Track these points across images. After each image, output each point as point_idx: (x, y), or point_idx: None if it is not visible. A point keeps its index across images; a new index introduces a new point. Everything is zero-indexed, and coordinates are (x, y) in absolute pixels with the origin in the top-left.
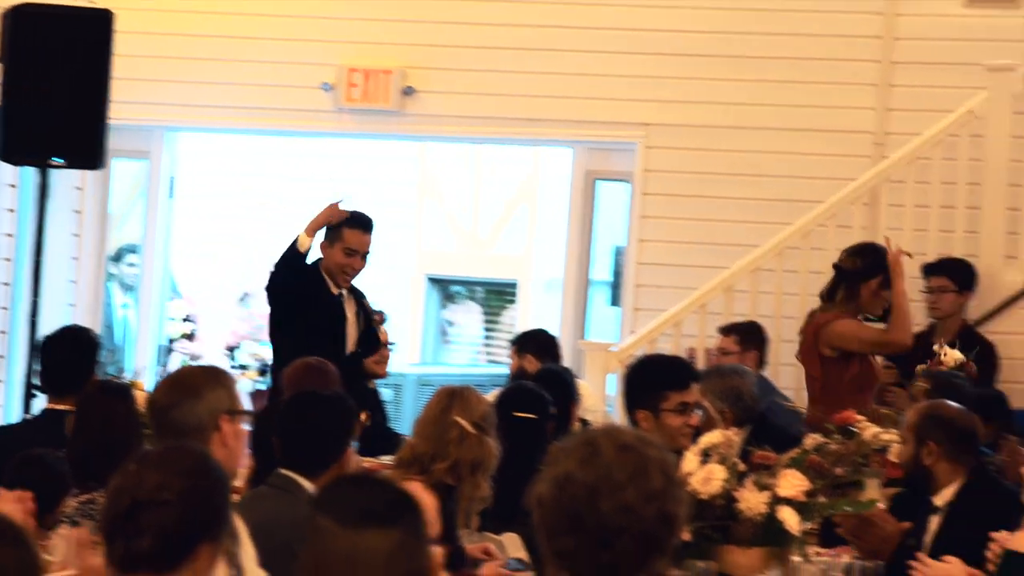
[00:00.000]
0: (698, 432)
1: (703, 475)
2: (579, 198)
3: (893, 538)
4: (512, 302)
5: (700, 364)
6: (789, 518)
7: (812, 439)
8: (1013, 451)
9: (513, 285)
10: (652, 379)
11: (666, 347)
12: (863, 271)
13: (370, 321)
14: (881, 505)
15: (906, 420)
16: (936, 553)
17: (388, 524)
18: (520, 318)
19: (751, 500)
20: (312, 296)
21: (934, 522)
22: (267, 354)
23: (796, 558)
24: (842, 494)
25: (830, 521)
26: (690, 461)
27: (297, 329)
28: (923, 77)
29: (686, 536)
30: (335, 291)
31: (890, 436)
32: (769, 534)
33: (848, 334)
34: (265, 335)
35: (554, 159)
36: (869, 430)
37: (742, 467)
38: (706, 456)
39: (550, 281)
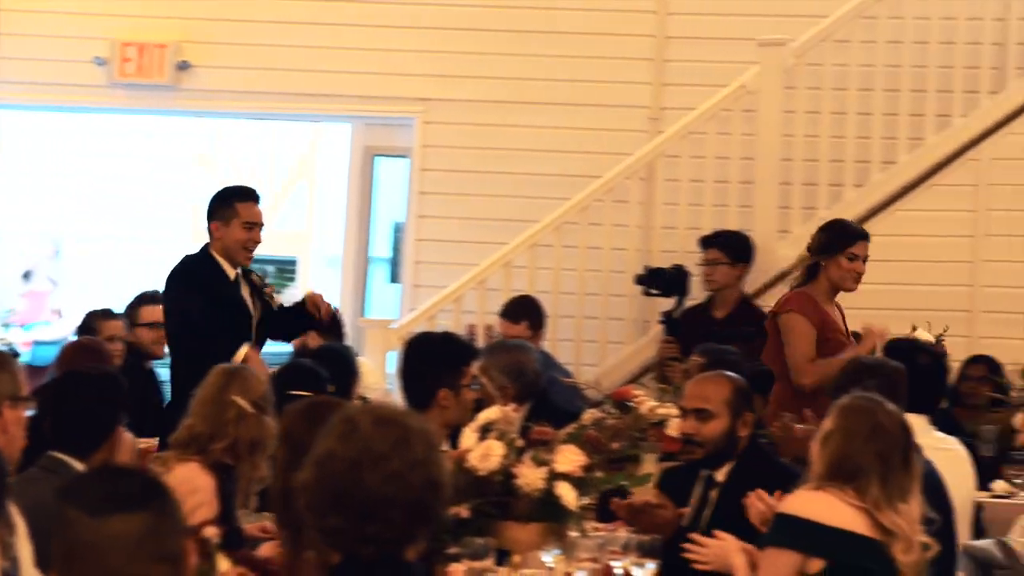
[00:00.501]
0: (479, 407)
1: (481, 451)
2: (358, 174)
3: (671, 524)
4: (293, 279)
5: (480, 340)
6: (566, 493)
7: (590, 414)
8: (786, 427)
9: (293, 262)
10: (452, 357)
11: (446, 324)
12: (824, 246)
13: (263, 296)
14: (651, 487)
15: (712, 394)
16: (713, 527)
17: (135, 509)
18: (300, 296)
19: (529, 476)
20: (215, 290)
21: (712, 496)
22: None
23: (574, 533)
24: (619, 468)
25: (608, 496)
26: (468, 437)
27: (204, 325)
28: (697, 52)
29: (464, 513)
30: (231, 275)
31: (666, 410)
32: (547, 509)
33: (788, 330)
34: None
35: (333, 135)
36: (646, 404)
37: (520, 443)
38: (485, 432)
39: (331, 258)
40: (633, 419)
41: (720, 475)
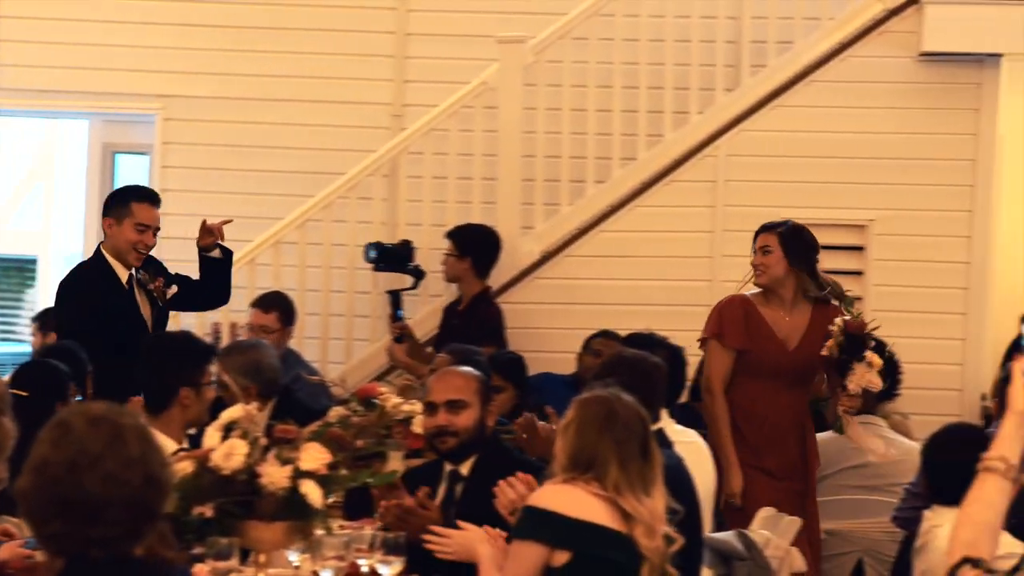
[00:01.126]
0: (220, 407)
1: (225, 450)
2: (97, 171)
3: (435, 523)
4: (33, 279)
5: (225, 338)
6: (311, 491)
7: (336, 412)
8: (530, 425)
9: (33, 261)
10: (192, 355)
11: (191, 322)
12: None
13: (151, 293)
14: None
15: (463, 384)
16: (459, 518)
17: None
18: (41, 295)
19: (273, 475)
20: (106, 296)
21: (458, 490)
22: None
23: (319, 531)
24: (365, 466)
25: (354, 493)
26: (211, 436)
27: (97, 333)
28: (438, 49)
29: (208, 512)
30: (124, 278)
31: (412, 407)
32: (292, 508)
33: (711, 325)
34: None
35: (71, 132)
36: (391, 401)
37: (264, 441)
38: (228, 431)
39: (70, 257)
40: (378, 416)
41: (464, 469)
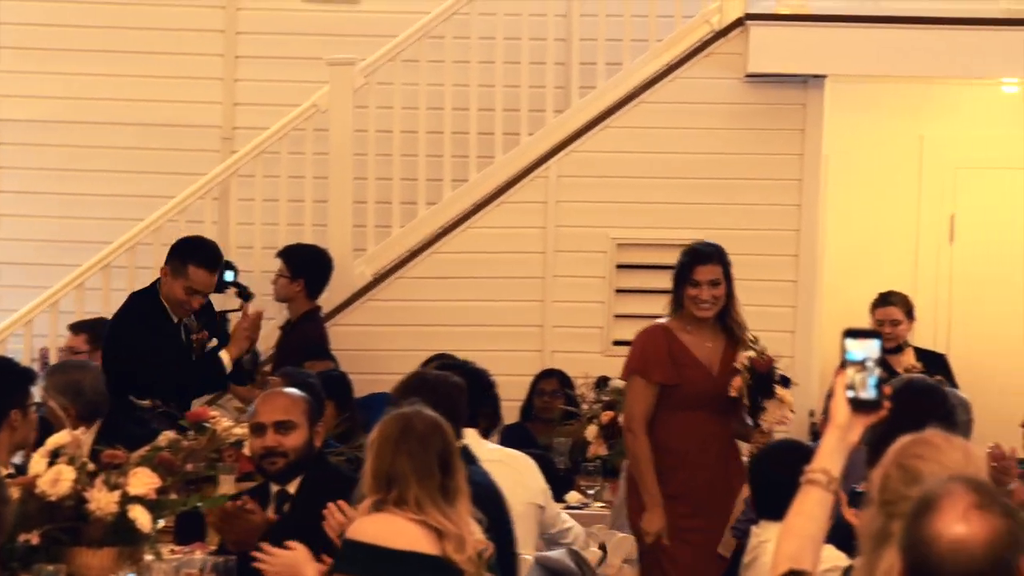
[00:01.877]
0: (47, 432)
1: (51, 476)
2: None
3: (259, 528)
4: None
5: (53, 363)
6: (140, 516)
7: (165, 436)
8: None
9: None
10: (16, 377)
11: (17, 348)
12: (676, 270)
13: (191, 343)
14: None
15: (292, 405)
16: (287, 537)
17: None
18: None
19: (101, 500)
20: (161, 337)
21: (287, 510)
22: None
23: (149, 556)
24: (196, 490)
25: (184, 517)
26: (37, 463)
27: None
28: (267, 71)
29: (35, 539)
30: (174, 319)
31: (243, 430)
32: (121, 533)
33: (633, 361)
34: None
35: None
36: (221, 424)
37: (92, 467)
38: (54, 457)
39: None
40: (209, 440)
41: (292, 488)
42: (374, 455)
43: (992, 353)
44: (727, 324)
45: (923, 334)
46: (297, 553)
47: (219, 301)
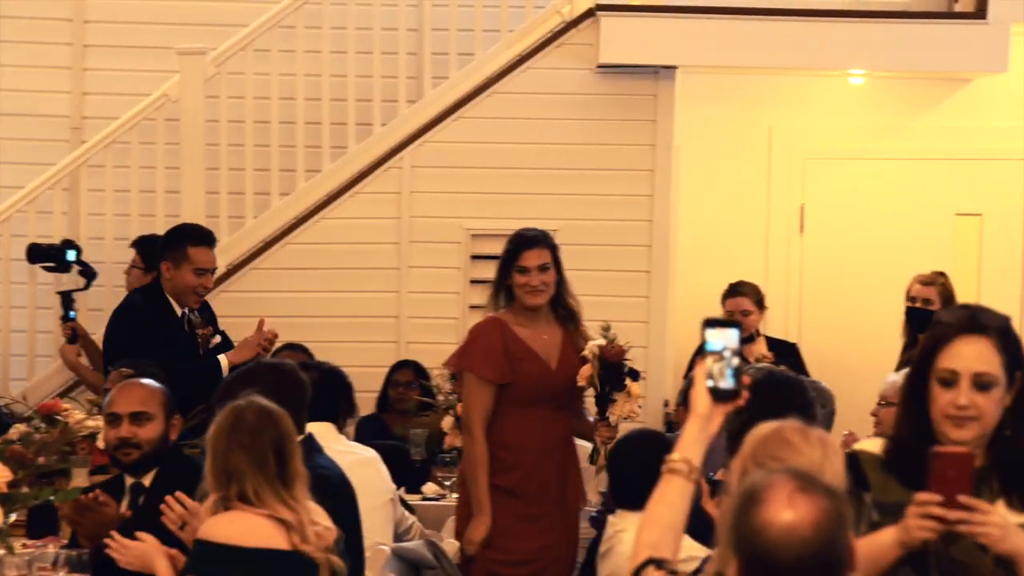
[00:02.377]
0: None
1: None
2: None
3: (113, 522)
4: None
5: None
6: None
7: (16, 429)
8: None
9: None
10: None
11: None
12: (502, 258)
13: (196, 338)
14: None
15: (148, 397)
16: (142, 529)
17: None
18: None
19: None
20: (162, 328)
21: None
22: None
23: (1, 551)
24: (49, 483)
25: (37, 511)
26: None
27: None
28: (117, 60)
29: None
30: (178, 312)
31: (96, 423)
32: None
33: (465, 358)
34: None
35: None
36: (74, 417)
37: None
38: None
39: None
40: (61, 433)
41: (147, 480)
42: (210, 452)
43: (842, 342)
44: (560, 313)
45: (775, 323)
46: (148, 545)
47: (65, 281)
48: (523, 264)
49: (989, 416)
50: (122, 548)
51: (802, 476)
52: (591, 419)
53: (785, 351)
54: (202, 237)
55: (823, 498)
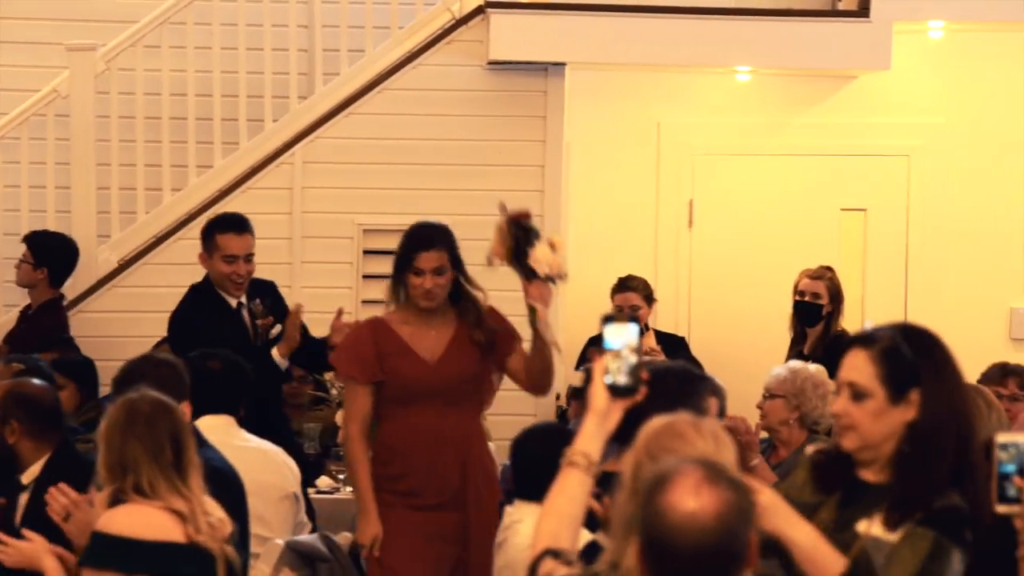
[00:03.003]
0: None
1: None
2: None
3: None
4: None
5: None
6: None
7: None
8: None
9: None
10: None
11: None
12: (397, 255)
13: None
14: None
15: None
16: (31, 527)
17: None
18: None
19: None
20: (212, 319)
21: (23, 500)
22: None
23: None
24: None
25: None
26: None
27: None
28: (5, 56)
29: None
30: (232, 304)
31: None
32: None
33: (343, 364)
34: None
35: None
36: None
37: None
38: None
39: None
40: None
41: (26, 478)
42: (105, 445)
43: (730, 335)
44: (460, 307)
45: (664, 317)
46: (35, 544)
47: None
48: (418, 266)
49: (864, 427)
50: (7, 548)
51: (711, 466)
52: None
53: (674, 345)
54: (230, 224)
55: (729, 490)
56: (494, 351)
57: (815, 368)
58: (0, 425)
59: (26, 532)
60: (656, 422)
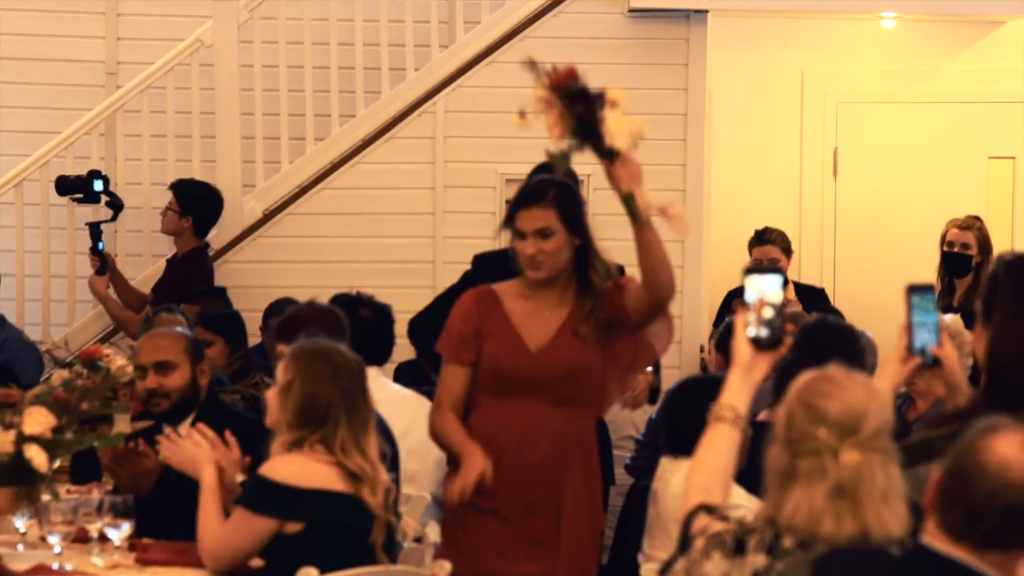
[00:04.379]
0: None
1: None
2: None
3: (152, 472)
4: None
5: None
6: (36, 456)
7: (59, 375)
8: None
9: None
10: None
11: None
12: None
13: None
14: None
15: (170, 344)
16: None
17: None
18: None
19: None
20: None
21: None
22: None
23: (46, 496)
24: (92, 429)
25: (80, 457)
26: None
27: None
28: (150, 6)
29: None
30: None
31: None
32: (17, 473)
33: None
34: None
35: None
36: (116, 363)
37: None
38: None
39: None
40: (103, 379)
41: (183, 429)
42: (301, 391)
43: (875, 287)
44: (585, 283)
45: (809, 269)
46: (200, 450)
47: (91, 212)
48: (519, 227)
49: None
50: (173, 445)
51: None
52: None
53: (813, 297)
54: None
55: None
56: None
57: (951, 318)
58: (193, 367)
59: (195, 438)
60: (807, 374)
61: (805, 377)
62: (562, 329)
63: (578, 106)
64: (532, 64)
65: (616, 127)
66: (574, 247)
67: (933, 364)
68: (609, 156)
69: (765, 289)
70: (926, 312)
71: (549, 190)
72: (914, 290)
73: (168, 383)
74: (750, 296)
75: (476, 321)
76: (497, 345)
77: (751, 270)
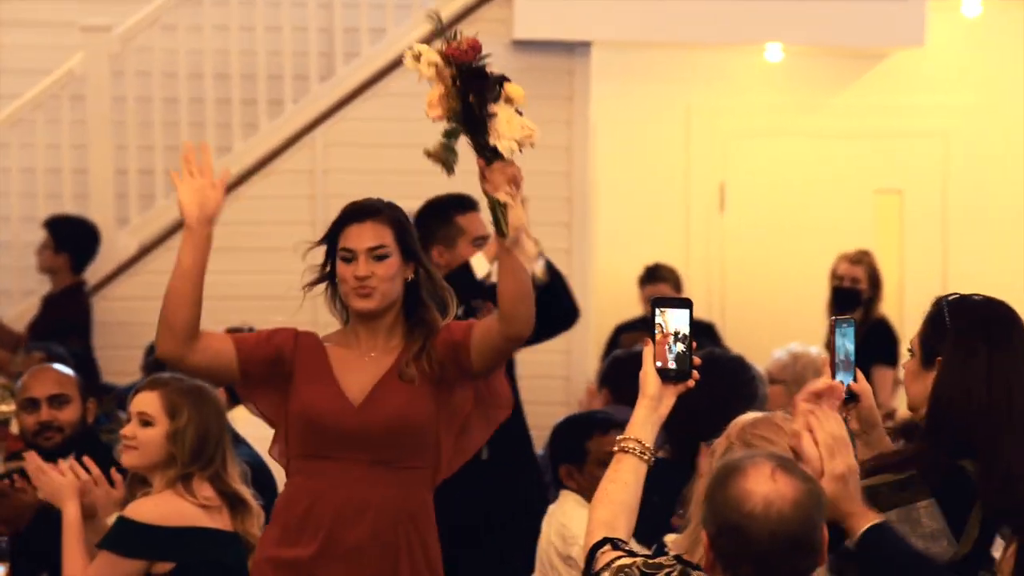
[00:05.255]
0: None
1: None
2: None
3: (30, 508)
4: None
5: None
6: None
7: None
8: None
9: None
10: None
11: None
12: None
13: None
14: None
15: (65, 380)
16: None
17: None
18: None
19: None
20: None
21: None
22: None
23: None
24: None
25: None
26: None
27: None
28: (21, 37)
29: None
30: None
31: (8, 408)
32: None
33: None
34: None
35: None
36: None
37: None
38: None
39: None
40: None
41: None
42: (198, 428)
43: (764, 321)
44: (412, 321)
45: (697, 304)
46: (67, 482)
47: None
48: (346, 246)
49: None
50: (40, 471)
51: (783, 459)
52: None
53: (702, 331)
54: (464, 203)
55: (801, 480)
56: (447, 379)
57: (817, 352)
58: (83, 403)
59: (63, 469)
60: (750, 414)
61: (748, 417)
62: (386, 376)
63: (470, 89)
64: (437, 18)
65: (506, 126)
66: (405, 281)
67: (850, 400)
68: (488, 155)
69: (673, 321)
70: (843, 347)
71: (384, 207)
72: (839, 323)
73: (62, 417)
74: (658, 329)
75: (291, 349)
76: (314, 393)
77: (659, 302)
